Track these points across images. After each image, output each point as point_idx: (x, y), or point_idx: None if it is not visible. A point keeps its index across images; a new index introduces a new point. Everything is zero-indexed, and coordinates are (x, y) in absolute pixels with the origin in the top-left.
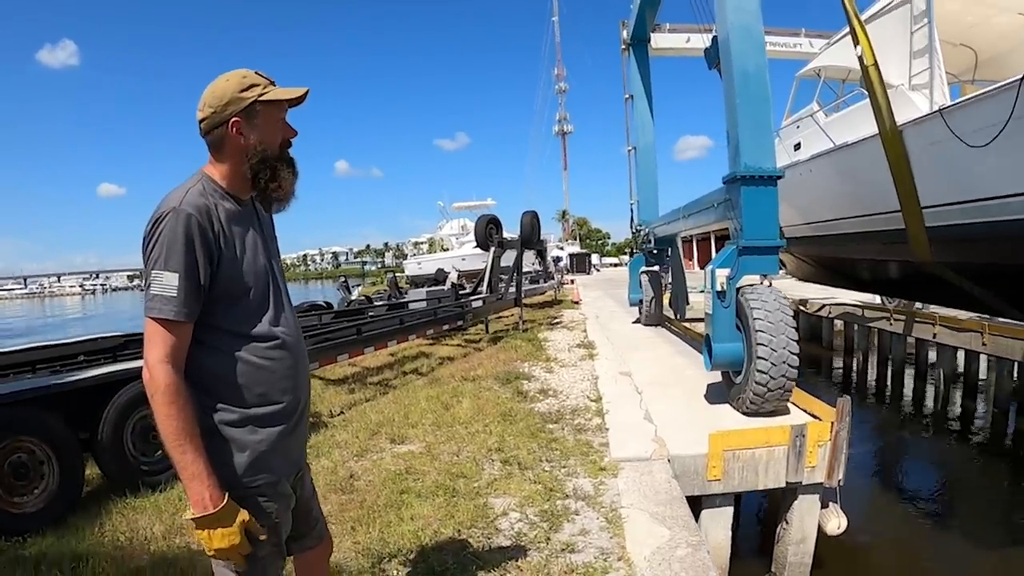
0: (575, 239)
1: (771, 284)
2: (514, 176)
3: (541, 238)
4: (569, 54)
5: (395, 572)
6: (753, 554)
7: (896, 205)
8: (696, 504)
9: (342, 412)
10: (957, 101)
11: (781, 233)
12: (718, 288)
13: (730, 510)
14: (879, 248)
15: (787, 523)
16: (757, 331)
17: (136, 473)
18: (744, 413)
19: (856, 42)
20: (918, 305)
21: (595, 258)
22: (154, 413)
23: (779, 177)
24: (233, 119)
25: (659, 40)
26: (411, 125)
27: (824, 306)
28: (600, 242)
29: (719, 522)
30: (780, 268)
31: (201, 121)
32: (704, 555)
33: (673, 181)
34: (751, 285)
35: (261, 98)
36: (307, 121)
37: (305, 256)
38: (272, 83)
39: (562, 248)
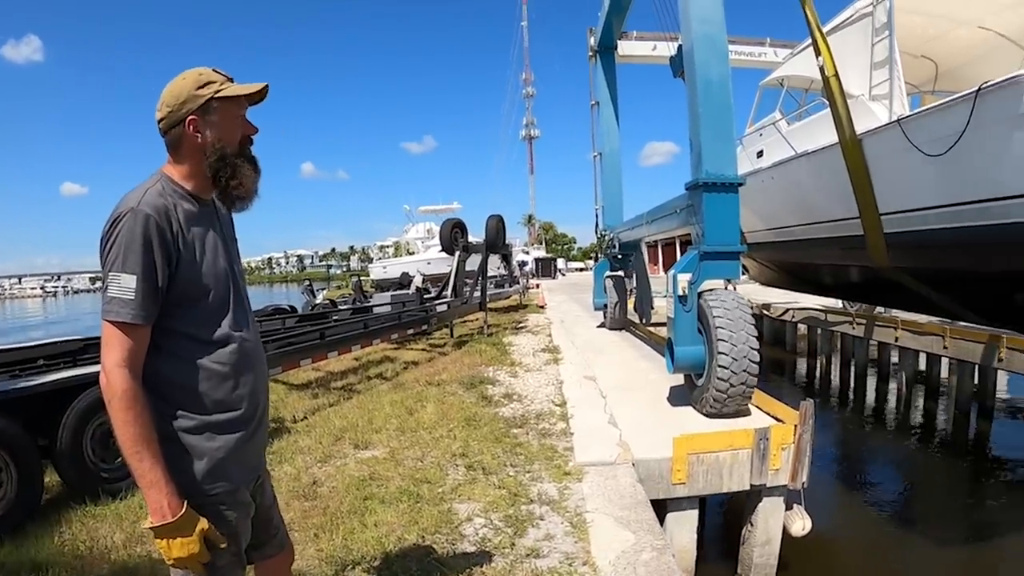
0: (541, 243)
1: (735, 288)
2: (481, 180)
3: (506, 242)
4: (537, 59)
5: None
6: (719, 557)
7: (855, 212)
8: (661, 508)
9: (305, 417)
10: (915, 112)
11: (742, 238)
12: (680, 292)
13: (695, 513)
14: (839, 254)
15: (752, 525)
16: (718, 334)
17: (96, 480)
18: (706, 415)
19: (818, 53)
20: (879, 309)
21: (561, 262)
22: (111, 419)
23: (740, 184)
24: (190, 117)
25: (626, 48)
26: (378, 127)
27: (788, 310)
28: (566, 247)
29: (684, 525)
30: (743, 273)
31: (159, 121)
32: (669, 559)
33: (639, 186)
34: (712, 289)
35: (217, 95)
36: (272, 122)
37: (270, 259)
38: (230, 80)
39: (528, 252)
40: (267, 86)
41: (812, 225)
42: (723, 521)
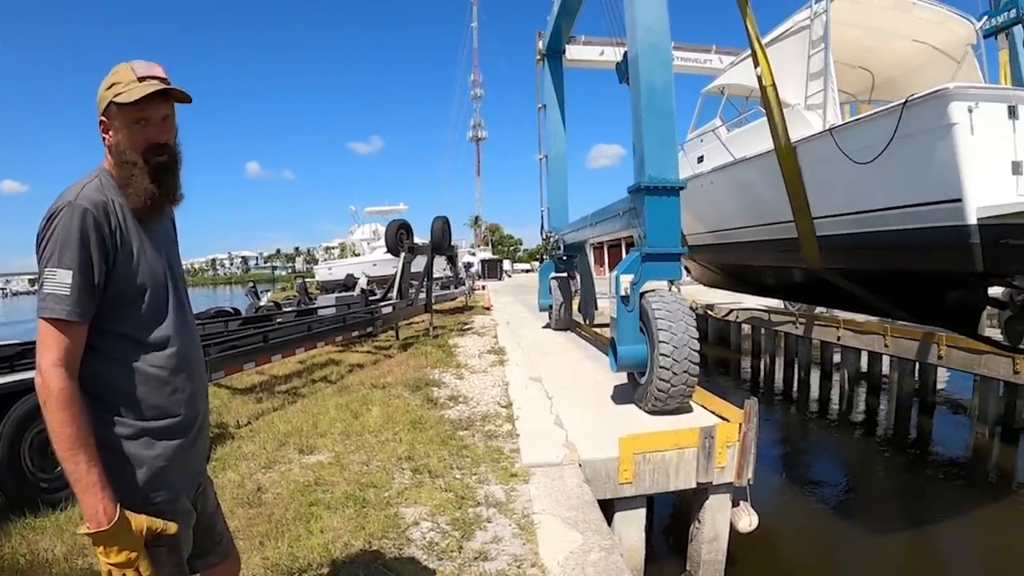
0: (487, 245)
1: (679, 289)
2: (428, 181)
3: (452, 244)
4: (486, 60)
5: None
6: (668, 554)
7: (790, 215)
8: (608, 508)
9: (249, 422)
10: (846, 121)
11: (683, 240)
12: (622, 293)
13: (643, 512)
14: (775, 255)
15: (699, 523)
16: (659, 334)
17: (35, 491)
18: (649, 412)
19: (756, 64)
20: (820, 309)
21: (507, 264)
22: (46, 420)
23: (681, 188)
24: (100, 118)
25: (573, 52)
26: (325, 127)
27: (732, 311)
28: (512, 248)
29: (632, 524)
30: (685, 275)
31: None
32: (617, 558)
33: (586, 188)
34: (654, 290)
35: (116, 98)
36: (217, 121)
37: (214, 260)
38: (157, 79)
39: (474, 254)
40: (171, 89)
41: (750, 228)
42: (671, 519)
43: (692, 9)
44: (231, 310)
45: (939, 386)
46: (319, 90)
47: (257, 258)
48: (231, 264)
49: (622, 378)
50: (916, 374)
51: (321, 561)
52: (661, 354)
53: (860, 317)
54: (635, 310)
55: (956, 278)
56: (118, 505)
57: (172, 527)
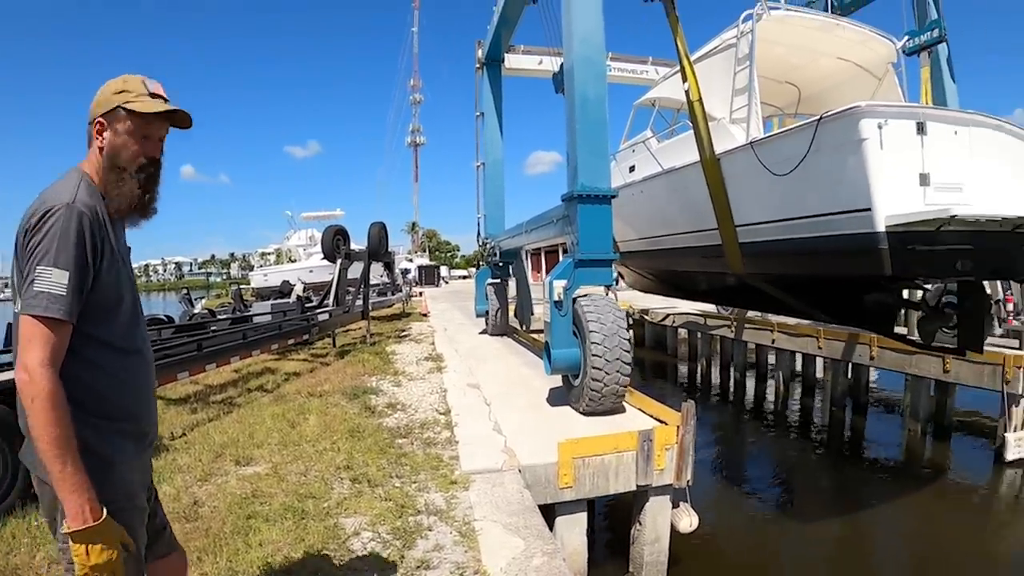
0: (424, 251)
1: (615, 296)
2: (365, 186)
3: (389, 250)
4: (426, 66)
5: None
6: (610, 557)
7: (715, 223)
8: (550, 512)
9: (184, 434)
10: (766, 135)
11: (615, 247)
12: (556, 298)
13: (584, 516)
14: (702, 261)
15: (640, 525)
16: (591, 336)
17: None
18: (583, 413)
19: (685, 79)
20: (753, 313)
21: (444, 270)
22: (31, 419)
23: (613, 197)
24: (98, 119)
25: (513, 61)
26: (261, 130)
27: (668, 315)
28: (449, 254)
29: (574, 529)
30: (619, 280)
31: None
32: (560, 563)
33: (524, 194)
34: (586, 295)
35: (126, 104)
36: None
37: (147, 266)
38: (160, 97)
39: (411, 260)
40: (179, 111)
41: (678, 235)
42: (612, 522)
43: (630, 21)
44: (164, 318)
45: (872, 386)
46: (256, 92)
47: (191, 264)
48: (164, 270)
49: (559, 382)
50: (849, 374)
51: (261, 575)
52: (593, 355)
53: (792, 320)
54: (568, 314)
55: (868, 281)
56: (103, 505)
57: (132, 544)
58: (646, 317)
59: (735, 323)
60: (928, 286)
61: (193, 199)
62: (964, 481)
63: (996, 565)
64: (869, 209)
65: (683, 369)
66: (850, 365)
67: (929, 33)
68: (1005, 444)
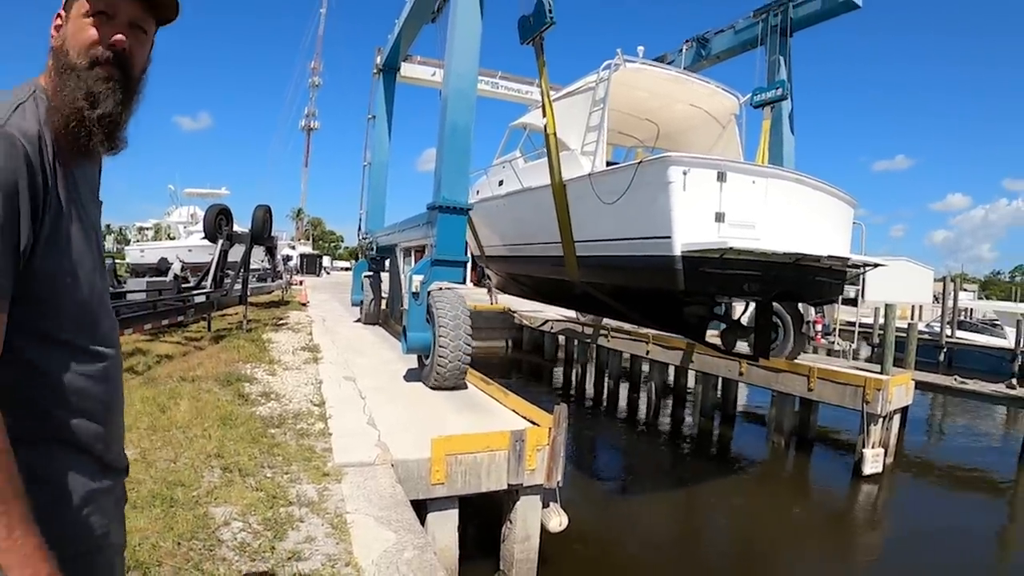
0: (308, 239)
1: (489, 294)
2: (253, 167)
3: (272, 235)
4: (329, 50)
5: None
6: (481, 554)
7: (559, 237)
8: (422, 508)
9: None
10: (601, 170)
11: (467, 251)
12: (414, 289)
13: (455, 512)
14: (550, 269)
15: (511, 523)
16: (439, 324)
17: None
18: (431, 388)
19: (544, 114)
20: (628, 326)
21: (327, 260)
22: None
23: (468, 209)
24: (59, 11)
25: (408, 70)
26: (148, 95)
27: (546, 321)
28: (333, 245)
29: (445, 524)
30: (489, 280)
31: None
32: (431, 556)
33: (414, 190)
34: (439, 289)
35: None
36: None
37: None
38: None
39: (294, 247)
40: None
41: (531, 245)
42: (484, 520)
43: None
44: None
45: (740, 400)
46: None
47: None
48: None
49: (414, 362)
50: (719, 388)
51: (128, 564)
52: (441, 339)
53: (666, 334)
54: (423, 304)
55: (669, 295)
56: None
57: None
58: (524, 321)
59: (612, 333)
60: (735, 303)
61: None
62: (823, 488)
63: (853, 565)
64: (669, 237)
65: (558, 374)
66: (720, 379)
67: (774, 91)
68: (863, 459)
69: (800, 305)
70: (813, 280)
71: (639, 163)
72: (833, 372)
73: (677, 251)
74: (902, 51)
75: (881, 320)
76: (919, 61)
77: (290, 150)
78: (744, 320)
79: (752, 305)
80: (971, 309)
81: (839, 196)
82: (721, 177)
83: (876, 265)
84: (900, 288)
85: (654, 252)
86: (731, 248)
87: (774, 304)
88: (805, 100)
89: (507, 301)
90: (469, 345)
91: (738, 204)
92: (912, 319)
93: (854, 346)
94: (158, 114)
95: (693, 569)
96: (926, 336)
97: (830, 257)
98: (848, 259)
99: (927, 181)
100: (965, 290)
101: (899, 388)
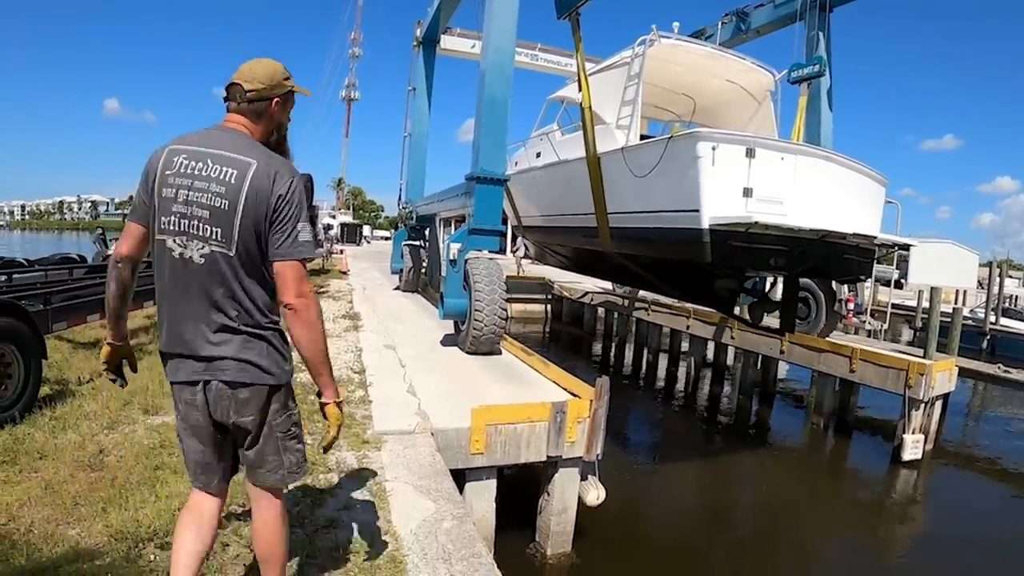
0: (348, 209)
1: (517, 264)
2: (296, 136)
3: (314, 204)
4: (369, 25)
5: (152, 557)
6: (517, 525)
7: (593, 209)
8: (460, 477)
9: (91, 380)
10: (633, 144)
11: (504, 220)
12: (451, 257)
13: (493, 483)
14: (584, 240)
15: (549, 495)
16: (476, 291)
17: None
18: (467, 353)
19: (580, 88)
20: (647, 295)
21: (367, 230)
22: (312, 334)
23: (505, 180)
24: (276, 98)
25: (448, 42)
26: (188, 68)
27: (587, 293)
28: (373, 214)
29: (483, 495)
30: (527, 250)
31: (249, 91)
32: (470, 527)
33: (456, 159)
34: (477, 257)
35: (296, 90)
36: (74, 50)
37: (61, 203)
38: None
39: (334, 217)
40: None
41: (567, 216)
42: (521, 491)
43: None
44: (76, 257)
45: (780, 379)
46: (190, 26)
47: (108, 203)
48: (79, 208)
49: (451, 328)
50: (759, 366)
51: (168, 528)
52: (476, 302)
53: (706, 309)
54: (460, 271)
55: (697, 267)
56: None
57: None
58: (564, 293)
59: (652, 307)
60: (767, 278)
61: (115, 135)
62: (861, 472)
63: (889, 551)
64: (697, 210)
65: (598, 347)
66: (760, 357)
67: (812, 67)
68: (903, 444)
69: (833, 283)
70: (841, 257)
71: (669, 138)
72: (876, 354)
73: (705, 224)
74: (952, 31)
75: (925, 303)
76: (970, 40)
77: (331, 121)
78: (775, 296)
79: (781, 280)
80: (1016, 296)
81: (870, 174)
82: (750, 153)
83: (907, 246)
84: (944, 272)
85: (683, 225)
86: (757, 223)
87: (807, 280)
88: (850, 77)
89: (544, 271)
90: (504, 310)
91: (766, 180)
92: (956, 304)
93: (885, 326)
94: (200, 86)
95: (726, 549)
96: (969, 322)
97: (856, 235)
98: (875, 237)
99: (976, 162)
100: (1011, 276)
101: (942, 374)
